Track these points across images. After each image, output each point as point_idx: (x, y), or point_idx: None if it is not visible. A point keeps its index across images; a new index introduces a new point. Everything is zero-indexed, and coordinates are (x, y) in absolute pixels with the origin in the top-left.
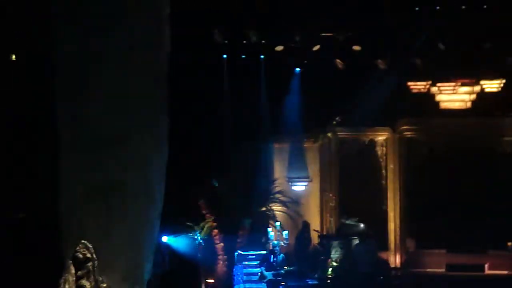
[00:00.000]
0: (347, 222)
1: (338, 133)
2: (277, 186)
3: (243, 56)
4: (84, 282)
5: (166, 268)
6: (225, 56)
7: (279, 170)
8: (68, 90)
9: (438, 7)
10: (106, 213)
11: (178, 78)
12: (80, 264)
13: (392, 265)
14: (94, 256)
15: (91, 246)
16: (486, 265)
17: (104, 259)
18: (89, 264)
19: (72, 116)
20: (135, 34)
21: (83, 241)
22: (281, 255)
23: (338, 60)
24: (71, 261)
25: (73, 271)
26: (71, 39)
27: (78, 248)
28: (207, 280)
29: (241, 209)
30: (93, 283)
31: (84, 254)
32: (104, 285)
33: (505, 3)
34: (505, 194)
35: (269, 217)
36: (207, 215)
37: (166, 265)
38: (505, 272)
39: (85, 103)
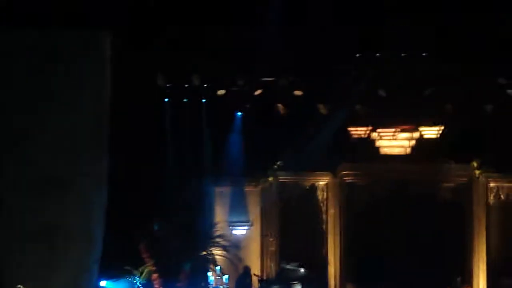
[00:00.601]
0: (287, 266)
1: (279, 177)
2: (217, 230)
3: (185, 100)
4: None
5: None
6: (167, 99)
7: (220, 214)
8: (11, 131)
9: (378, 54)
10: (44, 256)
11: (119, 119)
12: None
13: None
14: None
15: None
16: None
17: None
18: None
19: (18, 159)
20: (79, 74)
21: (19, 286)
22: None
23: (279, 105)
24: None
25: None
26: (16, 78)
27: None
28: None
29: (181, 253)
30: None
31: None
32: None
33: (444, 50)
34: (445, 240)
35: (209, 261)
36: (147, 259)
37: None
38: None
39: (28, 146)
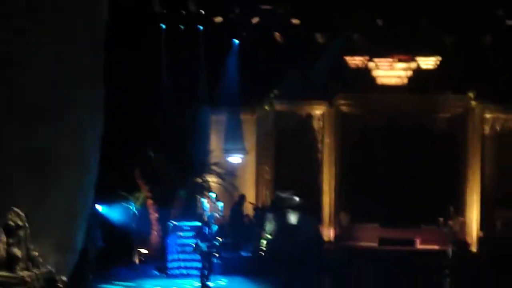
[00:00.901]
0: (282, 195)
1: (276, 106)
2: (213, 158)
3: (182, 27)
4: (15, 250)
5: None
6: (163, 26)
7: (215, 142)
8: (3, 58)
9: None
10: (40, 181)
11: (116, 48)
12: (11, 231)
13: (326, 239)
14: (26, 224)
15: (23, 214)
16: (418, 240)
17: (36, 227)
18: (21, 232)
19: (8, 84)
20: (72, 2)
21: (14, 208)
22: (216, 226)
23: (276, 33)
24: (2, 229)
25: (4, 238)
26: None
27: (9, 215)
28: (140, 250)
29: (177, 180)
30: (24, 251)
31: (15, 222)
32: (36, 253)
33: None
34: (438, 171)
35: (204, 189)
36: (142, 185)
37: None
38: (436, 247)
39: (22, 71)
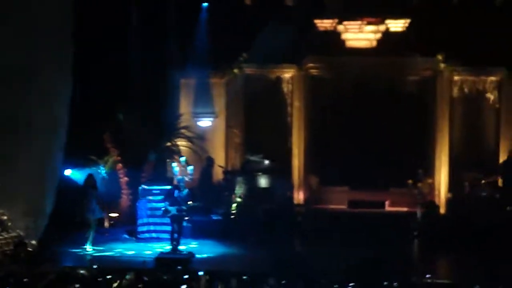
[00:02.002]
0: (252, 158)
1: (245, 70)
2: (182, 121)
3: None
4: None
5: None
6: None
7: (185, 105)
8: None
9: None
10: (8, 143)
11: (85, 9)
12: None
13: (296, 202)
14: None
15: None
16: (387, 202)
17: (5, 191)
18: None
19: None
20: None
21: None
22: (186, 190)
23: None
24: None
25: None
26: None
27: None
28: (110, 214)
29: (146, 143)
30: None
31: None
32: (5, 217)
33: None
34: (407, 133)
35: (174, 152)
36: (112, 149)
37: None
38: (405, 209)
39: None
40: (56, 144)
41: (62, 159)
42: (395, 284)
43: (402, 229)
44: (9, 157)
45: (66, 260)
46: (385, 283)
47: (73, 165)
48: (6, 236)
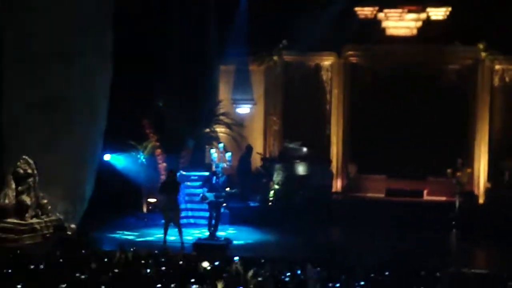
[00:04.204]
0: (290, 145)
1: (284, 57)
2: (221, 108)
3: None
4: (24, 197)
5: None
6: None
7: (224, 92)
8: (12, 5)
9: None
10: (49, 128)
11: None
12: (20, 179)
13: (333, 189)
14: (36, 171)
15: (32, 162)
16: (425, 191)
17: (46, 175)
18: (30, 179)
19: (16, 31)
20: None
21: (24, 156)
22: (224, 176)
23: None
24: (11, 176)
25: (13, 186)
26: None
27: (19, 163)
28: (148, 200)
29: (185, 129)
30: (33, 199)
31: (25, 170)
32: (45, 201)
33: None
34: (447, 122)
35: (213, 139)
36: (151, 134)
37: None
38: (443, 198)
39: (30, 19)
40: (96, 129)
41: (102, 144)
42: (437, 274)
43: (440, 218)
44: (50, 141)
45: (103, 244)
46: (422, 272)
47: (112, 150)
48: (46, 219)
